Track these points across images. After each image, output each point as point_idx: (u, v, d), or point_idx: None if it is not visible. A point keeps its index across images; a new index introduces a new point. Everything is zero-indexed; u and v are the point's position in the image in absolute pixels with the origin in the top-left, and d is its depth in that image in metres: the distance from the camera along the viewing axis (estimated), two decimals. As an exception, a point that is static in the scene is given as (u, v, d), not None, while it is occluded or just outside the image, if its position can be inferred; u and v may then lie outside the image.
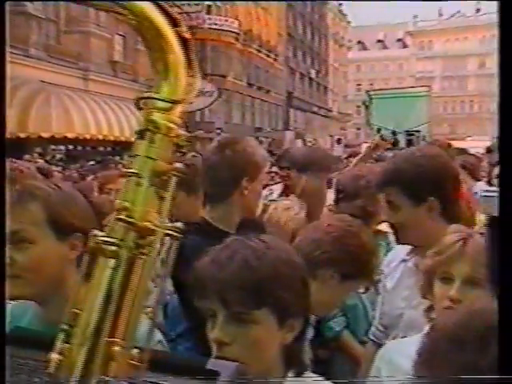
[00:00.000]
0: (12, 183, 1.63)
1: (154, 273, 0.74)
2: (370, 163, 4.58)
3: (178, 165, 0.73)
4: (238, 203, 2.15)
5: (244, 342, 1.19)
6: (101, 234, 0.72)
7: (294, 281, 1.23)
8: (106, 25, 22.74)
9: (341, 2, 57.93)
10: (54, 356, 0.70)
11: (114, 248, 0.71)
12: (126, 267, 0.71)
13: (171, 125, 0.74)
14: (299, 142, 27.48)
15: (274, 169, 4.42)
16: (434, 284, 1.56)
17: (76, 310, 0.72)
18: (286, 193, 3.85)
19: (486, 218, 0.67)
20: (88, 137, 19.74)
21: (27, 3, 19.28)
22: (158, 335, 1.41)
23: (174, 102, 0.74)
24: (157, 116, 0.73)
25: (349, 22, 64.31)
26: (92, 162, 12.73)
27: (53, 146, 18.21)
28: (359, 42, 75.97)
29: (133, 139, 0.76)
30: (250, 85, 38.27)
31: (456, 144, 8.81)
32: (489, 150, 7.87)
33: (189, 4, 29.73)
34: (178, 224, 0.73)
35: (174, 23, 0.74)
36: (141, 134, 0.74)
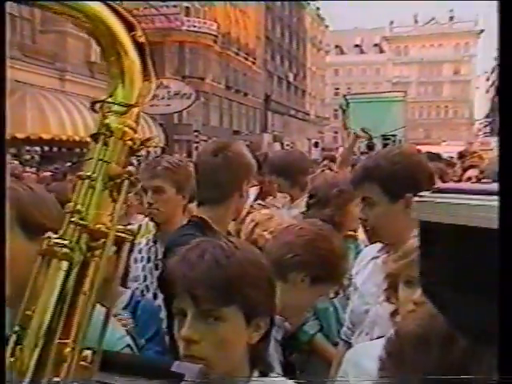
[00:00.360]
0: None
1: (109, 275, 0.74)
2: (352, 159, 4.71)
3: (130, 168, 0.73)
4: (234, 205, 2.19)
5: (212, 339, 1.22)
6: (54, 236, 0.73)
7: (260, 280, 1.27)
8: (83, 25, 22.48)
9: (318, 5, 58.27)
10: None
11: (66, 250, 0.71)
12: (79, 269, 0.72)
13: (125, 128, 0.74)
14: (277, 145, 27.53)
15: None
16: (398, 287, 1.58)
17: (28, 312, 0.72)
18: (262, 196, 3.88)
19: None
20: (64, 138, 19.50)
21: None
22: (127, 339, 1.42)
23: (129, 106, 0.74)
24: (111, 119, 0.74)
25: (327, 26, 64.73)
26: (69, 164, 12.59)
27: (28, 147, 17.97)
28: (337, 47, 76.61)
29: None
30: (228, 87, 38.26)
31: (431, 149, 8.98)
32: (461, 156, 8.01)
33: (167, 6, 29.62)
34: (131, 227, 0.74)
35: (129, 27, 0.75)
36: (95, 138, 0.74)
